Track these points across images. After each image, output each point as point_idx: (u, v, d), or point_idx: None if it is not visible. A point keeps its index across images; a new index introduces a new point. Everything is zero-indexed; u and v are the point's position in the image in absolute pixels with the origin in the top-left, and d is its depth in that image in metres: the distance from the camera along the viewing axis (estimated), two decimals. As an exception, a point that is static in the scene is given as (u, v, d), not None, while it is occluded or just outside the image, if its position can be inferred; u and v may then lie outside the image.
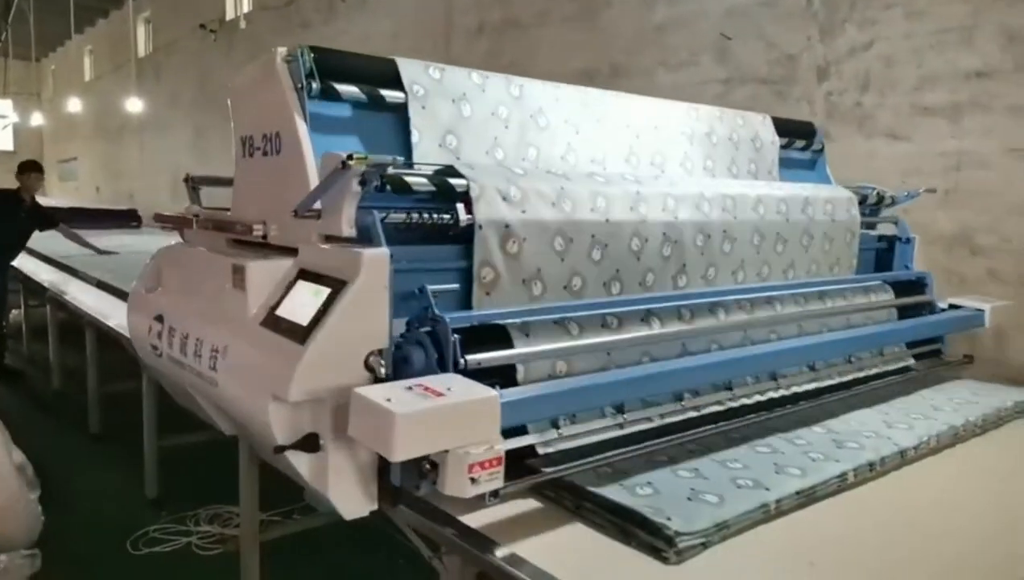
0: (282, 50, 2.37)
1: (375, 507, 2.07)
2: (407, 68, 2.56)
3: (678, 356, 2.56)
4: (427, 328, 2.06)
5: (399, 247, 2.07)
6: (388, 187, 2.19)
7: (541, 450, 2.15)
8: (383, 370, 1.99)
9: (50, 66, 27.31)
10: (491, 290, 2.34)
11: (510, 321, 2.22)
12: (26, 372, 8.00)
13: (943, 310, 3.60)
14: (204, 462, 4.45)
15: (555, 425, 2.20)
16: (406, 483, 1.88)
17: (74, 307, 5.73)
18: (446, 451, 1.75)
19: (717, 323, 2.66)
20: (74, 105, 18.54)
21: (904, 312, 3.52)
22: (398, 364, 2.05)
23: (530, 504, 2.04)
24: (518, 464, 2.05)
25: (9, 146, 25.08)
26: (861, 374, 3.11)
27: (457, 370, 2.01)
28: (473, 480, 1.77)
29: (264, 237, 2.45)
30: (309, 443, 1.99)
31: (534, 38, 7.19)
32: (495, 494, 1.88)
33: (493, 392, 1.82)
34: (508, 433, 1.96)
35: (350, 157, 1.96)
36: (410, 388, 1.80)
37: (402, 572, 3.90)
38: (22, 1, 18.07)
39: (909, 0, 4.37)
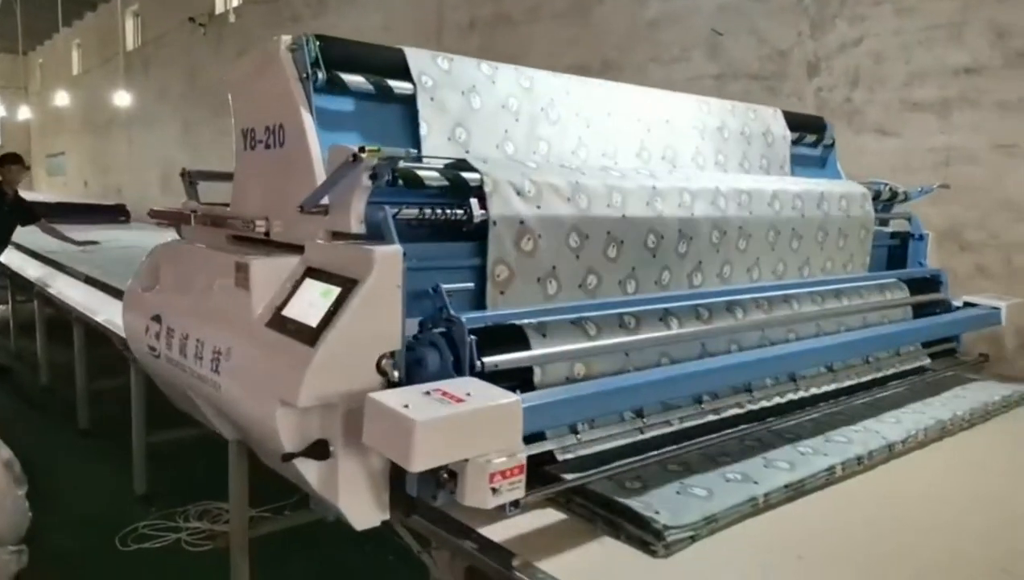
0: (286, 38, 2.27)
1: (387, 517, 1.98)
2: (415, 58, 2.46)
3: (698, 357, 2.48)
4: (442, 329, 1.97)
5: (409, 244, 1.97)
6: (400, 181, 2.09)
7: (560, 456, 2.06)
8: (396, 374, 1.90)
9: (38, 59, 27.00)
10: (505, 289, 2.24)
11: (527, 321, 2.12)
12: (14, 368, 7.94)
13: (958, 308, 3.53)
14: (194, 458, 4.43)
15: (573, 430, 2.11)
16: (422, 493, 1.78)
17: (61, 303, 5.68)
18: (465, 460, 1.66)
19: (736, 323, 2.57)
20: (62, 99, 18.28)
21: (918, 310, 3.45)
22: (411, 367, 1.95)
23: (550, 514, 1.95)
24: (535, 471, 1.95)
25: (-4, 140, 24.83)
26: (879, 375, 3.04)
27: (473, 373, 1.92)
28: (494, 490, 1.68)
29: (266, 233, 2.34)
30: (318, 450, 1.89)
31: (525, 34, 7.14)
32: (515, 504, 1.79)
33: (515, 397, 1.73)
34: (525, 439, 1.86)
35: (362, 149, 1.86)
36: (427, 393, 1.71)
37: (392, 567, 3.84)
38: (9, -6, 17.87)
39: (899, -4, 4.37)
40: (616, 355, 2.26)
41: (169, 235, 3.03)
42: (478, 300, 2.23)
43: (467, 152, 2.47)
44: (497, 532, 1.80)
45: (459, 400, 1.67)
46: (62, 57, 23.85)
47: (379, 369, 1.89)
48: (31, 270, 7.14)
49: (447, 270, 2.17)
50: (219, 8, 14.02)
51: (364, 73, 2.35)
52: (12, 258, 7.62)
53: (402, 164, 2.06)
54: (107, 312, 4.80)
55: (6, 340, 8.59)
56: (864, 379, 2.96)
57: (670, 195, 2.63)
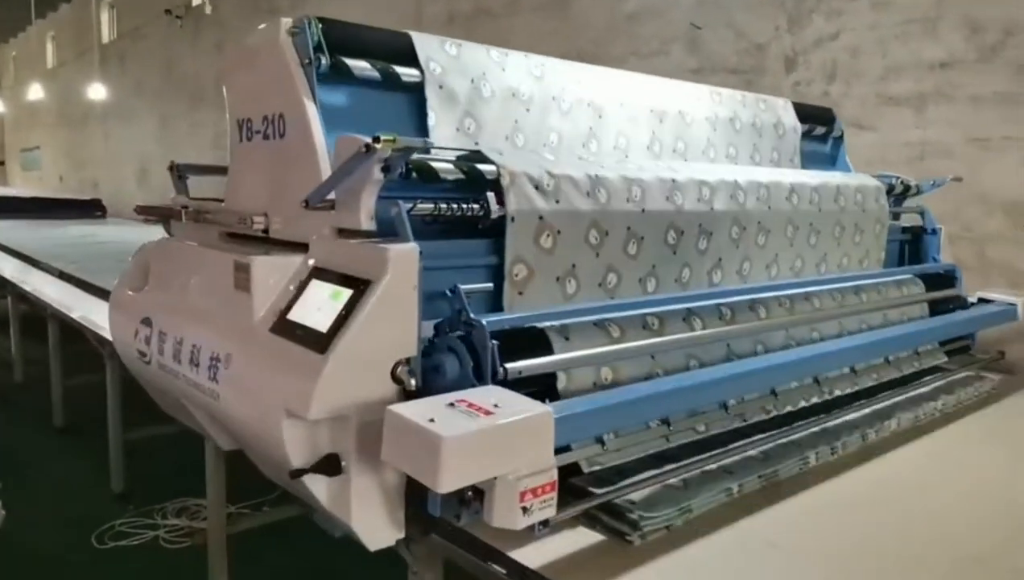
0: (286, 21, 2.12)
1: (402, 535, 1.84)
2: (423, 43, 2.32)
3: (724, 358, 2.35)
4: (460, 333, 1.82)
5: (421, 242, 1.81)
6: (414, 174, 1.94)
7: (587, 468, 1.93)
8: (413, 382, 1.75)
9: (11, 52, 26.52)
10: (524, 289, 2.10)
11: (548, 323, 1.98)
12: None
13: (972, 304, 3.43)
14: (172, 454, 4.37)
15: (599, 439, 1.97)
16: (446, 513, 1.64)
17: (36, 299, 5.58)
18: (494, 477, 1.52)
19: (762, 323, 2.45)
20: (36, 92, 17.93)
21: (934, 307, 3.34)
22: (428, 374, 1.80)
23: (581, 534, 1.81)
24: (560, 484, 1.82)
25: (-32, 134, 24.40)
26: (898, 374, 2.93)
27: (495, 380, 1.78)
28: (525, 509, 1.54)
29: (265, 230, 2.19)
30: (329, 466, 1.74)
31: (505, 27, 7.07)
32: (544, 523, 1.65)
33: (546, 408, 1.59)
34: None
35: (376, 139, 1.71)
36: (452, 405, 1.56)
37: (370, 562, 3.73)
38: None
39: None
40: (643, 358, 2.14)
41: (147, 231, 2.88)
42: (494, 301, 2.09)
43: (476, 144, 2.33)
44: (528, 555, 1.67)
45: (487, 413, 1.53)
46: (36, 50, 23.39)
47: (394, 377, 1.75)
48: (4, 266, 6.94)
49: (461, 269, 2.02)
50: (196, 0, 13.75)
51: (369, 58, 2.21)
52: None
53: (415, 156, 1.92)
54: (82, 308, 4.74)
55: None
56: (885, 380, 2.85)
57: (689, 189, 2.50)
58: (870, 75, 4.37)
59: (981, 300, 3.44)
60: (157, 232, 2.84)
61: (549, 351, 1.94)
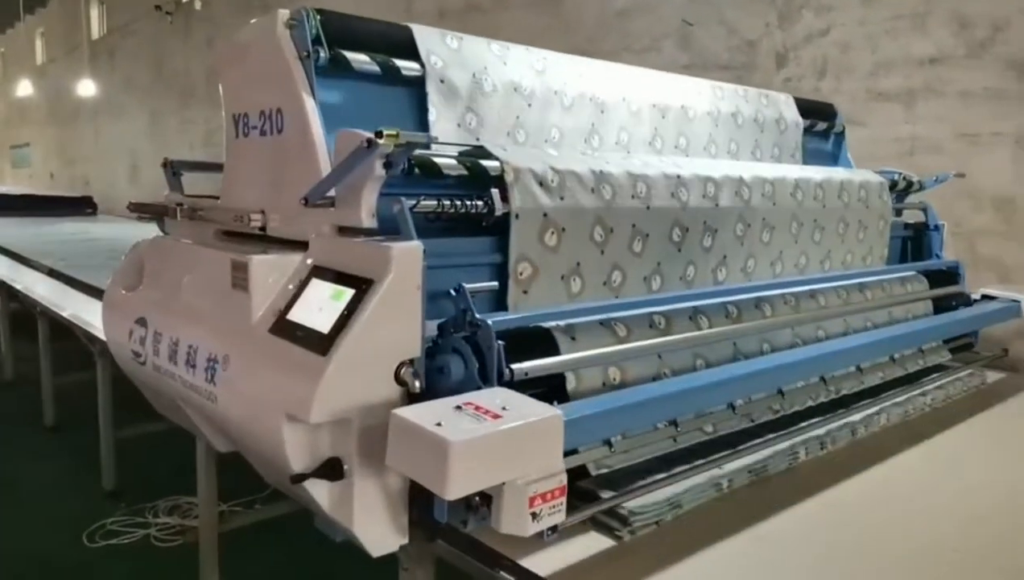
0: (283, 13, 2.06)
1: (405, 541, 1.79)
2: (423, 36, 2.27)
3: (731, 357, 2.31)
4: (465, 333, 1.78)
5: (424, 240, 1.76)
6: (417, 170, 1.89)
7: (594, 471, 1.88)
8: (417, 383, 1.70)
9: (-1, 48, 26.34)
10: (528, 288, 2.05)
11: (554, 323, 1.94)
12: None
13: (975, 301, 3.40)
14: (163, 452, 4.31)
15: (607, 442, 1.93)
16: (452, 519, 1.60)
17: (25, 297, 5.55)
18: (502, 482, 1.48)
19: (768, 321, 2.41)
20: (25, 89, 17.76)
21: (937, 304, 3.31)
22: (432, 375, 1.76)
23: (591, 537, 1.77)
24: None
25: (-43, 131, 24.21)
26: (903, 373, 2.90)
27: (502, 382, 1.73)
28: (534, 515, 1.51)
29: (262, 228, 2.14)
30: (331, 470, 1.70)
31: (496, 23, 7.00)
32: (553, 529, 1.61)
33: (556, 410, 1.55)
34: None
35: (379, 134, 1.66)
36: (459, 408, 1.52)
37: (362, 559, 3.71)
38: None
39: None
40: (650, 358, 2.09)
41: (138, 228, 2.83)
42: (498, 300, 2.05)
43: (477, 139, 2.28)
44: (538, 563, 1.62)
45: (496, 416, 1.48)
46: (25, 46, 23.17)
47: (398, 379, 1.70)
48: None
49: (464, 268, 1.97)
50: (186, -5, 13.65)
51: (369, 51, 2.15)
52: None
53: (417, 151, 1.87)
54: (72, 306, 4.71)
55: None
56: (890, 378, 2.82)
57: (694, 185, 2.45)
58: (860, 71, 4.35)
59: (984, 297, 3.41)
60: (148, 229, 2.79)
61: (555, 351, 1.90)
